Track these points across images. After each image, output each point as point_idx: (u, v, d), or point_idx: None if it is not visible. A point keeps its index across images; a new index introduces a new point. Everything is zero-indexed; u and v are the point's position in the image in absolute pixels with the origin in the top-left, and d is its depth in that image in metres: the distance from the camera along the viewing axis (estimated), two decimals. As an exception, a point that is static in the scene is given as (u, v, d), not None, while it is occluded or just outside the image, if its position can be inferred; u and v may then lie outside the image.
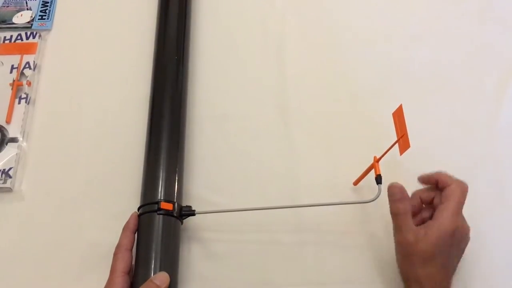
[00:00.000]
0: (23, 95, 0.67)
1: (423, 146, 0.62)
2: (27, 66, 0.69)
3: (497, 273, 0.57)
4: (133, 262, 0.51)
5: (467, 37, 0.72)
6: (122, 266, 0.49)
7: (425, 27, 0.73)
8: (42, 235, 0.59)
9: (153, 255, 0.51)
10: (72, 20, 0.75)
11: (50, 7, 0.75)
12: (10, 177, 0.62)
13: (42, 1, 0.76)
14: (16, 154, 0.63)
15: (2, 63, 0.70)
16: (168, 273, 0.49)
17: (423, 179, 0.54)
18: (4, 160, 0.63)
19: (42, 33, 0.73)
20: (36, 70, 0.70)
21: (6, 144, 0.64)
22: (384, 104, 0.66)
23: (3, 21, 0.74)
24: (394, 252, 0.55)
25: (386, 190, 0.52)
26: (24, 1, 0.76)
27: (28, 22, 0.74)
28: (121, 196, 0.61)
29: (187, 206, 0.56)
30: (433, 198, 0.53)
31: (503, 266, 0.57)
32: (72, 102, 0.68)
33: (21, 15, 0.75)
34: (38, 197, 0.62)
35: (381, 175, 0.53)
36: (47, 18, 0.74)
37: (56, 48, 0.73)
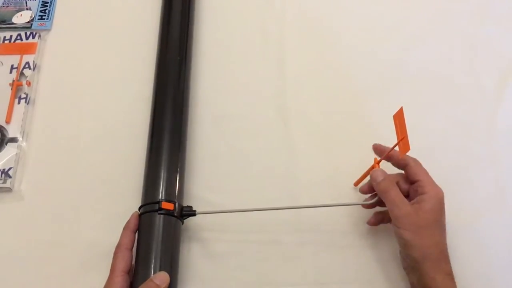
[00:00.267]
0: (23, 95, 0.67)
1: (423, 146, 0.62)
2: (26, 66, 0.69)
3: (497, 273, 0.57)
4: (133, 262, 0.51)
5: (466, 37, 0.72)
6: (122, 265, 0.49)
7: (425, 27, 0.74)
8: (41, 235, 0.59)
9: (153, 254, 0.51)
10: (72, 20, 0.75)
11: (49, 7, 0.75)
12: (10, 177, 0.62)
13: (42, 1, 0.76)
14: (16, 154, 0.63)
15: (2, 63, 0.70)
16: (168, 273, 0.49)
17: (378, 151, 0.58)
18: (4, 160, 0.63)
19: (42, 33, 0.73)
20: (35, 70, 0.70)
21: (6, 144, 0.64)
22: (384, 104, 0.67)
23: (3, 21, 0.74)
24: (393, 251, 0.55)
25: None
26: (24, 1, 0.76)
27: (28, 22, 0.74)
28: (121, 196, 0.60)
29: (187, 206, 0.56)
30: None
31: (503, 266, 0.57)
32: (71, 102, 0.68)
33: (21, 15, 0.75)
34: (38, 197, 0.62)
35: None
36: (47, 18, 0.74)
37: (55, 48, 0.73)
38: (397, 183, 0.53)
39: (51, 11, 0.75)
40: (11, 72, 0.69)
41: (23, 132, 0.65)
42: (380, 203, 0.54)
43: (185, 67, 0.65)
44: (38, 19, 0.74)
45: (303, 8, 0.75)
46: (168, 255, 0.52)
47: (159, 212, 0.53)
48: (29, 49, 0.71)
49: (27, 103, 0.67)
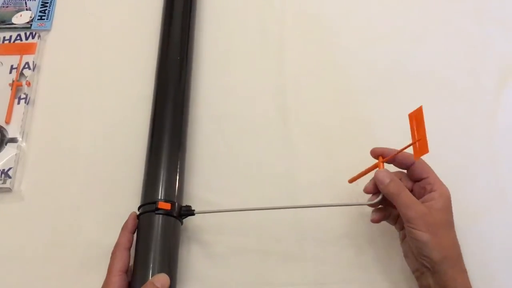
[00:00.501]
0: (23, 96, 0.67)
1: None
2: (26, 66, 0.69)
3: (497, 273, 0.57)
4: (132, 263, 0.51)
5: (466, 37, 0.72)
6: (120, 265, 0.49)
7: (425, 27, 0.73)
8: (41, 235, 0.59)
9: (152, 255, 0.50)
10: (72, 21, 0.75)
11: (49, 8, 0.75)
12: (10, 177, 0.62)
13: (42, 2, 0.76)
14: (16, 154, 0.63)
15: (2, 64, 0.70)
16: (167, 273, 0.49)
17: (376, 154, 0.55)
18: (4, 160, 0.63)
19: (42, 34, 0.73)
20: (35, 70, 0.70)
21: (6, 144, 0.64)
22: (384, 104, 0.67)
23: (3, 22, 0.74)
24: (394, 251, 0.55)
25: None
26: (24, 2, 0.76)
27: (28, 22, 0.74)
28: (121, 196, 0.60)
29: (186, 205, 0.56)
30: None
31: (503, 266, 0.57)
32: (71, 102, 0.68)
33: (21, 15, 0.75)
34: (38, 197, 0.62)
35: None
36: (47, 19, 0.74)
37: (55, 48, 0.73)
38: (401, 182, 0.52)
39: (50, 11, 0.75)
40: (10, 72, 0.69)
41: (23, 132, 0.65)
42: (384, 202, 0.53)
43: (186, 68, 0.65)
44: (38, 19, 0.74)
45: (303, 8, 0.75)
46: (167, 255, 0.52)
47: (156, 212, 0.53)
48: (28, 49, 0.71)
49: (27, 104, 0.67)
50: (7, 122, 0.65)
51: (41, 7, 0.75)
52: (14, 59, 0.70)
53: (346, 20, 0.74)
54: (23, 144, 0.65)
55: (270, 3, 0.75)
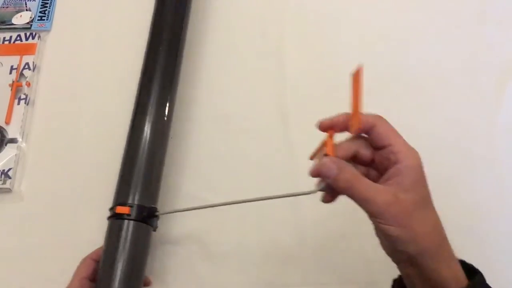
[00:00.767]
0: (23, 96, 0.67)
1: (423, 146, 0.62)
2: (26, 67, 0.69)
3: (497, 273, 0.57)
4: None
5: (466, 37, 0.72)
6: (83, 270, 0.50)
7: (425, 27, 0.73)
8: (41, 235, 0.59)
9: (111, 261, 0.50)
10: (72, 21, 0.75)
11: (49, 8, 0.75)
12: (10, 177, 0.62)
13: (42, 2, 0.76)
14: (16, 155, 0.63)
15: (2, 64, 0.70)
16: (127, 279, 0.49)
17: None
18: (4, 161, 0.63)
19: (42, 34, 0.73)
20: (35, 71, 0.70)
21: (6, 145, 0.64)
22: (384, 104, 0.67)
23: (3, 22, 0.74)
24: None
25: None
26: (24, 2, 0.76)
27: (28, 23, 0.74)
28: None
29: (152, 207, 0.53)
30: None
31: (503, 266, 0.57)
32: (71, 102, 0.68)
33: (21, 16, 0.75)
34: (38, 198, 0.62)
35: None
36: (47, 19, 0.74)
37: (55, 49, 0.73)
38: (357, 154, 0.42)
39: (50, 12, 0.75)
40: (10, 73, 0.69)
41: (23, 133, 0.65)
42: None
43: (175, 66, 0.63)
44: (38, 20, 0.74)
45: (303, 9, 0.75)
46: (128, 261, 0.50)
47: (108, 217, 0.52)
48: (28, 50, 0.71)
49: (27, 104, 0.67)
50: (7, 122, 0.65)
51: (41, 8, 0.75)
52: (14, 60, 0.70)
53: (346, 21, 0.74)
54: (23, 145, 0.65)
55: (270, 3, 0.75)
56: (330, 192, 0.43)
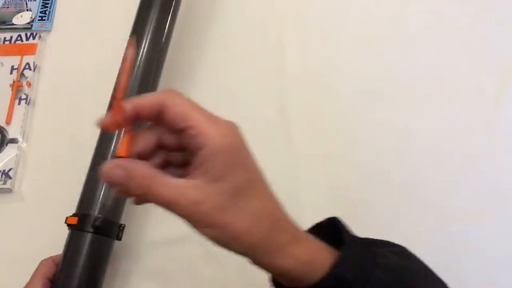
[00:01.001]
0: (23, 96, 0.67)
1: (423, 147, 0.62)
2: (27, 67, 0.69)
3: (498, 274, 0.57)
4: None
5: (466, 38, 0.72)
6: (42, 271, 0.51)
7: (426, 28, 0.73)
8: (42, 235, 0.59)
9: (63, 268, 0.51)
10: (72, 21, 0.75)
11: (50, 8, 0.75)
12: (10, 178, 0.62)
13: (42, 2, 0.76)
14: (16, 155, 0.63)
15: (2, 64, 0.70)
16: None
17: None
18: (4, 161, 0.63)
19: (42, 34, 0.73)
20: (36, 71, 0.70)
21: (6, 145, 0.64)
22: (384, 105, 0.67)
23: (3, 22, 0.74)
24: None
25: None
26: (24, 2, 0.76)
27: (28, 23, 0.74)
28: (121, 197, 0.60)
29: (105, 218, 0.52)
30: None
31: (504, 267, 0.57)
32: (72, 102, 0.68)
33: (21, 16, 0.75)
34: (38, 198, 0.62)
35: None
36: (47, 19, 0.74)
37: (56, 49, 0.73)
38: (162, 143, 0.33)
39: (51, 12, 0.75)
40: (11, 73, 0.69)
41: (23, 133, 0.65)
42: None
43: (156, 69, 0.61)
44: (39, 20, 0.74)
45: (303, 10, 0.75)
46: (77, 270, 0.51)
47: (68, 227, 0.53)
48: (29, 50, 0.71)
49: (28, 104, 0.67)
50: (8, 122, 0.65)
51: (41, 8, 0.75)
52: (14, 60, 0.70)
53: (347, 21, 0.74)
54: (24, 145, 0.65)
55: (271, 3, 0.75)
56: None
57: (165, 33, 0.62)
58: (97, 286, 0.52)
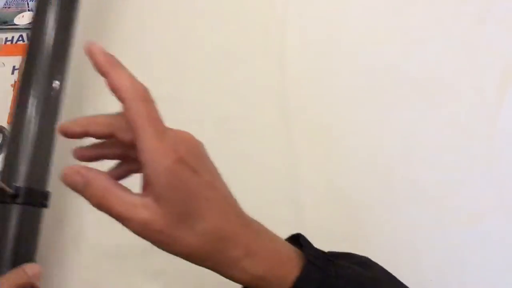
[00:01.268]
0: (25, 96, 0.68)
1: (424, 147, 0.62)
2: (28, 67, 0.70)
3: (498, 274, 0.57)
4: None
5: (466, 39, 0.72)
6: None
7: (426, 28, 0.73)
8: (43, 235, 0.59)
9: None
10: (73, 21, 0.75)
11: (51, 8, 0.76)
12: (12, 177, 0.62)
13: (43, 2, 0.76)
14: (18, 155, 0.64)
15: (4, 64, 0.70)
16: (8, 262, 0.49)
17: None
18: (6, 161, 0.63)
19: (43, 34, 0.73)
20: (37, 71, 0.70)
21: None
22: (385, 105, 0.67)
23: (5, 22, 0.74)
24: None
25: None
26: (26, 2, 0.76)
27: (30, 23, 0.74)
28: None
29: (18, 187, 0.52)
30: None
31: (504, 267, 0.57)
32: (72, 102, 0.68)
33: (23, 16, 0.75)
34: (40, 198, 0.62)
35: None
36: (48, 19, 0.75)
37: (57, 49, 0.73)
38: (115, 136, 0.34)
39: (52, 12, 0.75)
40: (13, 73, 0.69)
41: (25, 133, 0.65)
42: None
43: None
44: (40, 20, 0.74)
45: (304, 9, 0.75)
46: (6, 242, 0.51)
47: None
48: (30, 50, 0.71)
49: (29, 104, 0.67)
50: (9, 122, 0.66)
51: (43, 8, 0.75)
52: (16, 60, 0.70)
53: (348, 21, 0.74)
54: (25, 145, 0.65)
55: (272, 3, 0.75)
56: None
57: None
58: (29, 256, 0.52)
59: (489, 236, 0.58)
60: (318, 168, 0.63)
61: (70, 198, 0.62)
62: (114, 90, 0.33)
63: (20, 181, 0.53)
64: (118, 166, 0.36)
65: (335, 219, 0.59)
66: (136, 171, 0.35)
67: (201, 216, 0.31)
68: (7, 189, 0.51)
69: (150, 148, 0.30)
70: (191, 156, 0.32)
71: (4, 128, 0.65)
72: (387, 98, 0.67)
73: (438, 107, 0.67)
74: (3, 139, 0.64)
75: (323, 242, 0.58)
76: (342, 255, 0.38)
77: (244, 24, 0.74)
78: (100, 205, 0.31)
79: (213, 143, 0.65)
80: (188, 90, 0.68)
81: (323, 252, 0.37)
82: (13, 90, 0.68)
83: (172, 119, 0.67)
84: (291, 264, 0.34)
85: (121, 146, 0.35)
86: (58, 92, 0.59)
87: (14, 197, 0.51)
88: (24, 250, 0.52)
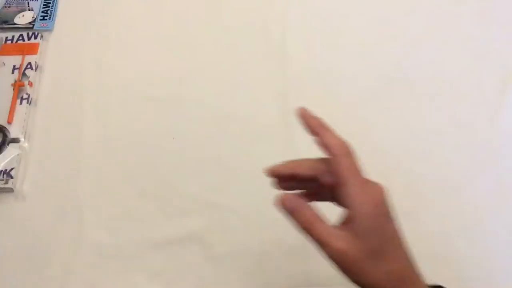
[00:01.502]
0: (25, 96, 0.68)
1: (424, 147, 0.62)
2: (28, 66, 0.70)
3: (498, 274, 0.57)
4: None
5: (467, 39, 0.72)
6: None
7: (426, 29, 0.73)
8: (43, 235, 0.59)
9: None
10: (74, 21, 0.75)
11: (51, 8, 0.76)
12: (12, 177, 0.62)
13: (44, 2, 0.76)
14: (18, 154, 0.64)
15: (4, 64, 0.70)
16: None
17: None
18: (6, 161, 0.63)
19: (44, 34, 0.73)
20: (37, 70, 0.70)
21: (8, 145, 0.64)
22: (385, 106, 0.67)
23: (5, 22, 0.74)
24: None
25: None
26: (26, 2, 0.76)
27: (30, 22, 0.74)
28: (122, 196, 0.61)
29: None
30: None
31: (504, 267, 0.57)
32: (73, 102, 0.68)
33: (23, 15, 0.75)
34: (40, 198, 0.62)
35: None
36: (49, 19, 0.75)
37: (57, 48, 0.73)
38: (318, 179, 0.41)
39: (53, 11, 0.75)
40: (13, 72, 0.69)
41: (25, 132, 0.65)
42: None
43: None
44: (40, 19, 0.74)
45: (305, 9, 0.75)
46: None
47: None
48: (31, 49, 0.71)
49: (29, 104, 0.67)
50: (9, 122, 0.66)
51: (43, 7, 0.75)
52: (16, 60, 0.70)
53: (348, 22, 0.74)
54: (25, 144, 0.65)
55: (272, 3, 0.75)
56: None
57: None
58: None
59: (489, 236, 0.58)
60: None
61: (70, 198, 0.62)
62: (326, 147, 0.41)
63: None
64: (301, 195, 0.42)
65: (335, 219, 0.59)
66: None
67: (390, 258, 0.37)
68: None
69: (355, 196, 0.37)
70: (386, 206, 0.38)
71: (4, 127, 0.65)
72: (387, 98, 0.67)
73: (438, 107, 0.67)
74: (4, 139, 0.64)
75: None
76: None
77: (244, 24, 0.74)
78: (308, 230, 0.37)
79: (213, 142, 0.65)
80: (188, 90, 0.68)
81: None
82: (13, 90, 0.68)
83: (172, 119, 0.67)
84: None
85: (316, 184, 0.42)
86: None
87: None
88: None
